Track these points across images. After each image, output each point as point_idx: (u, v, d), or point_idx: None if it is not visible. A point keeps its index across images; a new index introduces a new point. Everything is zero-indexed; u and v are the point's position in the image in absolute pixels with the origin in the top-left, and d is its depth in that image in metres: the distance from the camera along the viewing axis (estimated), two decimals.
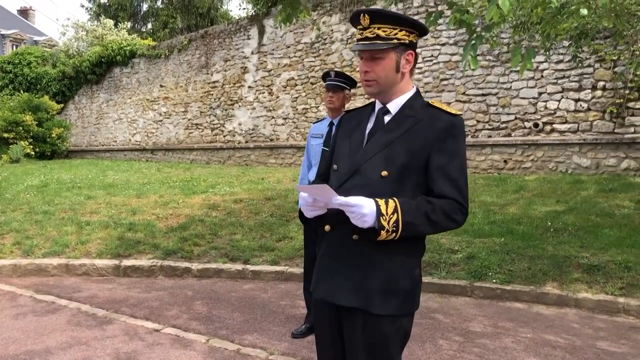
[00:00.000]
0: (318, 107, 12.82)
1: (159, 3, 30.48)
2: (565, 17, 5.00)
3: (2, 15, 40.97)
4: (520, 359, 3.84)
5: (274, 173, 11.65)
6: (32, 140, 17.86)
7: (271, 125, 13.89)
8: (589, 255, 5.52)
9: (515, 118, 9.87)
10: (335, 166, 2.04)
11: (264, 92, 14.01)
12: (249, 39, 14.30)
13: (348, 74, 4.35)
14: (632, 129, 8.72)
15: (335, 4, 12.45)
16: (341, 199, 1.81)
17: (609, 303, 4.79)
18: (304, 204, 1.94)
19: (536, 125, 9.63)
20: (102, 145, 18.96)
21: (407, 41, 1.92)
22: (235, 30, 14.69)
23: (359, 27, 1.95)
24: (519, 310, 4.87)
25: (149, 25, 30.79)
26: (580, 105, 9.19)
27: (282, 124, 13.64)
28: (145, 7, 31.02)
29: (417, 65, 2.17)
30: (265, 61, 13.93)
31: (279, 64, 13.63)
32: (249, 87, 14.34)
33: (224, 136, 15.05)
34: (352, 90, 4.37)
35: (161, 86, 16.80)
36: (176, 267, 6.13)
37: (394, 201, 1.81)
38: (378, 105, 2.03)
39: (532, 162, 9.71)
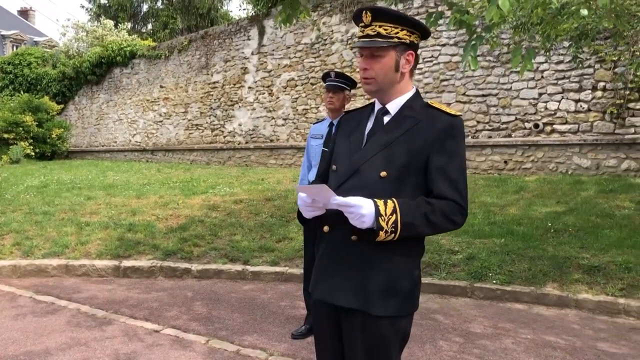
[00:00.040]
0: (318, 107, 12.81)
1: (159, 4, 30.52)
2: (566, 18, 4.99)
3: (3, 16, 40.98)
4: None
5: (274, 174, 11.65)
6: (32, 140, 17.87)
7: (271, 125, 13.89)
8: (589, 256, 5.51)
9: (516, 119, 9.87)
10: (334, 167, 2.03)
11: (264, 93, 14.01)
12: (249, 39, 14.30)
13: (348, 74, 4.34)
14: (632, 130, 8.72)
15: (336, 5, 12.45)
16: (340, 200, 1.80)
17: (609, 304, 4.78)
18: (302, 204, 1.93)
19: (536, 125, 9.63)
20: (102, 146, 18.96)
21: (407, 41, 1.92)
22: (235, 30, 14.69)
23: (361, 24, 1.95)
24: (519, 311, 4.87)
25: (149, 26, 30.81)
26: (581, 106, 9.19)
27: (282, 125, 13.63)
28: (145, 7, 31.05)
29: (418, 66, 2.16)
30: (266, 62, 13.93)
31: (279, 64, 13.63)
32: (249, 87, 14.34)
33: (224, 137, 15.05)
34: (352, 91, 4.37)
35: (161, 87, 16.80)
36: (176, 268, 6.12)
37: (393, 202, 1.80)
38: (377, 106, 2.03)
39: (532, 162, 9.70)
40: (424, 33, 1.98)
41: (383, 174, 1.87)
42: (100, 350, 3.97)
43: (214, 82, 15.22)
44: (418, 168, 1.88)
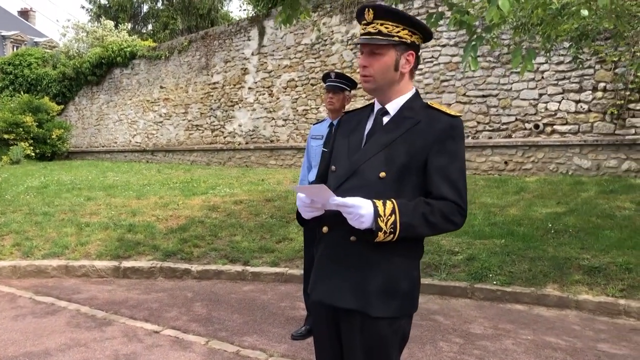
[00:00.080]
0: (318, 108, 12.81)
1: (159, 4, 30.54)
2: (566, 18, 4.98)
3: (3, 17, 41.01)
4: None
5: (274, 174, 11.65)
6: (32, 141, 17.87)
7: (271, 126, 13.89)
8: (589, 257, 5.51)
9: (516, 119, 9.86)
10: (333, 167, 2.03)
11: (264, 94, 14.01)
12: (249, 40, 14.30)
13: (348, 75, 4.34)
14: (632, 131, 8.71)
15: (336, 5, 12.44)
16: (339, 200, 1.79)
17: (609, 305, 4.77)
18: (301, 204, 1.92)
19: (537, 126, 9.62)
20: (103, 147, 18.96)
21: (408, 41, 1.91)
22: (235, 31, 14.69)
23: (363, 22, 1.95)
24: (519, 312, 4.86)
25: (149, 27, 30.83)
26: (581, 107, 9.18)
27: (283, 125, 13.63)
28: (145, 8, 31.07)
29: (418, 67, 2.16)
30: (266, 62, 13.92)
31: (279, 65, 13.63)
32: (249, 88, 14.34)
33: (224, 137, 15.04)
34: (353, 92, 4.37)
35: (161, 87, 16.80)
36: (176, 269, 6.11)
37: (392, 202, 1.80)
38: (377, 106, 2.02)
39: (532, 163, 9.70)
40: (426, 35, 1.98)
41: (382, 174, 1.87)
42: (100, 351, 3.96)
43: (214, 83, 15.21)
44: (417, 168, 1.87)
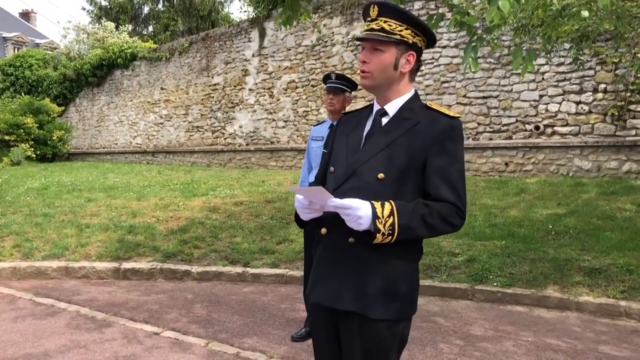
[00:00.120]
0: (319, 109, 12.81)
1: (160, 6, 30.55)
2: (566, 20, 4.98)
3: (4, 18, 41.07)
4: None
5: (274, 175, 11.64)
6: (33, 142, 17.89)
7: (272, 127, 13.89)
8: (590, 259, 5.50)
9: (516, 121, 9.85)
10: (332, 168, 2.02)
11: (264, 95, 14.01)
12: (249, 41, 14.31)
13: (349, 76, 4.34)
14: (633, 132, 8.70)
15: (336, 7, 12.45)
16: (337, 201, 1.79)
17: (610, 306, 4.76)
18: (299, 206, 1.92)
19: (537, 127, 9.62)
20: (103, 148, 18.97)
21: (410, 41, 1.91)
22: (236, 32, 14.70)
23: (368, 18, 1.95)
24: (520, 314, 4.85)
25: (150, 28, 30.85)
26: (582, 108, 9.18)
27: (283, 127, 13.63)
28: (146, 9, 31.09)
29: (419, 69, 2.15)
30: (266, 64, 13.93)
31: (279, 66, 13.63)
32: (250, 89, 14.35)
33: (225, 139, 15.04)
34: (353, 93, 4.36)
35: (162, 89, 16.81)
36: (176, 270, 6.11)
37: (390, 204, 1.79)
38: (376, 107, 2.02)
39: (533, 164, 9.69)
40: (430, 38, 1.97)
41: (381, 175, 1.86)
42: (100, 352, 3.96)
43: (215, 84, 15.22)
44: (416, 170, 1.86)
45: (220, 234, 7.04)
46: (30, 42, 38.82)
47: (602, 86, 8.95)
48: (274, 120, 13.83)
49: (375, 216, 1.76)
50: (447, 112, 1.93)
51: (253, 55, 14.22)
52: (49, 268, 6.18)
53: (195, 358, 3.87)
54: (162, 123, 16.90)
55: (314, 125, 4.46)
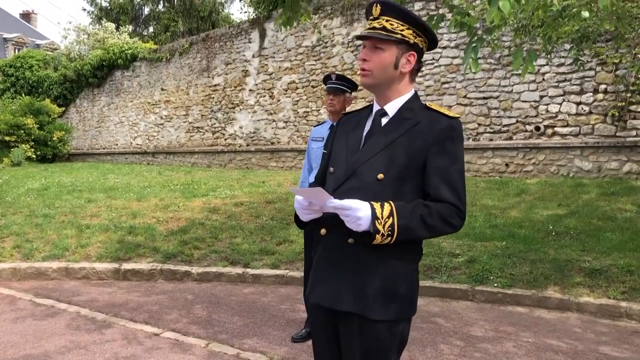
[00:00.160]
0: (319, 110, 12.81)
1: (160, 6, 30.57)
2: (567, 20, 4.98)
3: (5, 19, 41.11)
4: None
5: (274, 176, 11.64)
6: (33, 143, 17.90)
7: (272, 128, 13.89)
8: (590, 259, 5.49)
9: (517, 121, 9.85)
10: (331, 169, 2.01)
11: (265, 96, 14.01)
12: (250, 42, 14.31)
13: (349, 77, 4.34)
14: (634, 132, 8.69)
15: (336, 8, 12.45)
16: (336, 202, 1.79)
17: (611, 307, 4.76)
18: (299, 207, 1.91)
19: (537, 128, 9.61)
20: (104, 149, 18.97)
21: (411, 41, 1.90)
22: (236, 33, 14.71)
23: (370, 17, 1.95)
24: (520, 315, 4.84)
25: (151, 29, 30.86)
26: (582, 109, 9.17)
27: (283, 127, 13.63)
28: (146, 10, 31.12)
29: (419, 70, 2.15)
30: (267, 64, 13.93)
31: (280, 67, 13.63)
32: (250, 90, 14.35)
33: (225, 139, 15.05)
34: (353, 94, 4.36)
35: (162, 89, 16.81)
36: (176, 271, 6.11)
37: (390, 205, 1.79)
38: (376, 107, 2.01)
39: (533, 165, 9.68)
40: (431, 40, 1.97)
41: (380, 176, 1.86)
42: (100, 353, 3.95)
43: (215, 85, 15.22)
44: (416, 170, 1.86)
45: (221, 234, 7.04)
46: (30, 43, 38.86)
47: (603, 87, 8.94)
48: (274, 121, 13.83)
49: (374, 217, 1.75)
50: (447, 112, 1.92)
51: (253, 56, 14.23)
52: (49, 269, 6.18)
53: (195, 359, 3.87)
54: (162, 124, 16.91)
55: (314, 126, 4.47)
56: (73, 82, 19.40)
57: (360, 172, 1.90)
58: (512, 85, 9.85)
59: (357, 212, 1.75)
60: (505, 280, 5.30)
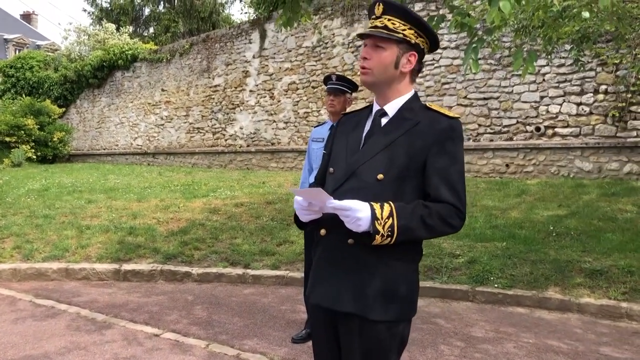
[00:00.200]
0: (319, 111, 12.81)
1: (160, 7, 30.58)
2: (567, 21, 4.98)
3: (5, 20, 41.15)
4: None
5: (275, 177, 11.64)
6: (33, 144, 17.92)
7: (272, 129, 13.89)
8: (591, 260, 5.49)
9: (517, 122, 9.85)
10: (331, 169, 2.01)
11: (265, 96, 14.02)
12: (250, 43, 14.32)
13: (349, 77, 4.34)
14: (634, 133, 8.69)
15: (337, 8, 12.45)
16: (336, 203, 1.78)
17: (611, 308, 4.75)
18: (299, 207, 1.91)
19: (538, 129, 9.61)
20: (104, 149, 18.98)
21: (413, 41, 1.90)
22: (236, 34, 14.71)
23: (372, 16, 1.95)
24: (521, 315, 4.84)
25: (151, 30, 30.87)
26: (582, 109, 9.17)
27: (284, 128, 13.63)
28: (147, 11, 31.12)
29: (420, 71, 2.16)
30: (267, 65, 13.94)
31: (280, 67, 13.64)
32: (251, 91, 14.35)
33: (226, 140, 15.05)
34: (354, 94, 4.36)
35: (163, 90, 16.82)
36: (176, 272, 6.10)
37: (390, 205, 1.78)
38: (375, 107, 2.01)
39: (534, 166, 9.68)
40: (432, 41, 1.98)
41: (380, 176, 1.85)
42: (100, 354, 3.95)
43: (216, 86, 15.23)
44: (416, 170, 1.86)
45: (221, 235, 7.04)
46: (31, 43, 38.90)
47: (603, 87, 8.94)
48: (274, 121, 13.83)
49: (374, 217, 1.75)
50: (447, 112, 1.92)
51: (254, 57, 14.23)
52: (49, 269, 6.18)
53: None
54: (162, 124, 16.91)
55: (315, 127, 4.46)
56: (73, 83, 19.42)
57: (360, 172, 1.89)
58: (513, 86, 9.85)
59: (357, 212, 1.75)
60: (506, 281, 5.29)
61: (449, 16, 4.72)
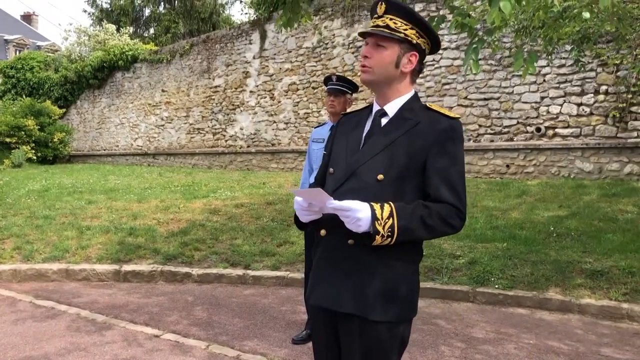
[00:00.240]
0: (320, 111, 12.81)
1: (161, 8, 30.60)
2: (568, 21, 4.98)
3: (6, 21, 41.18)
4: None
5: (275, 178, 11.64)
6: (34, 144, 17.91)
7: (273, 129, 13.89)
8: (592, 261, 5.48)
9: (518, 122, 9.84)
10: (331, 169, 2.01)
11: (265, 97, 14.02)
12: (250, 43, 14.32)
13: (350, 78, 4.34)
14: (635, 134, 8.69)
15: (337, 9, 12.45)
16: (336, 203, 1.78)
17: (612, 309, 4.75)
18: (299, 208, 1.91)
19: (538, 129, 9.60)
20: (104, 150, 18.97)
21: (414, 41, 1.90)
22: (237, 35, 14.71)
23: (374, 15, 1.95)
24: (521, 316, 4.83)
25: (151, 30, 30.89)
26: (583, 110, 9.16)
27: (284, 129, 13.63)
28: (147, 12, 31.14)
29: (421, 71, 2.16)
30: (267, 66, 13.94)
31: (280, 68, 13.64)
32: (251, 91, 14.35)
33: (226, 141, 15.05)
34: (354, 95, 4.36)
35: (163, 91, 16.82)
36: (176, 272, 6.10)
37: (390, 205, 1.78)
38: (375, 107, 2.01)
39: (534, 166, 9.67)
40: (434, 42, 1.98)
41: (380, 176, 1.85)
42: (100, 355, 3.95)
43: (216, 86, 15.23)
44: (416, 170, 1.85)
45: (221, 236, 7.03)
46: (31, 44, 38.93)
47: (604, 88, 8.93)
48: (274, 122, 13.83)
49: (374, 218, 1.75)
50: (447, 113, 1.92)
51: (254, 58, 14.23)
52: (49, 270, 6.17)
53: None
54: (163, 125, 16.91)
55: (315, 127, 4.46)
56: (74, 84, 19.42)
57: (360, 172, 1.89)
58: (513, 87, 9.85)
59: (357, 213, 1.75)
60: (506, 282, 5.29)
61: (450, 17, 4.71)
